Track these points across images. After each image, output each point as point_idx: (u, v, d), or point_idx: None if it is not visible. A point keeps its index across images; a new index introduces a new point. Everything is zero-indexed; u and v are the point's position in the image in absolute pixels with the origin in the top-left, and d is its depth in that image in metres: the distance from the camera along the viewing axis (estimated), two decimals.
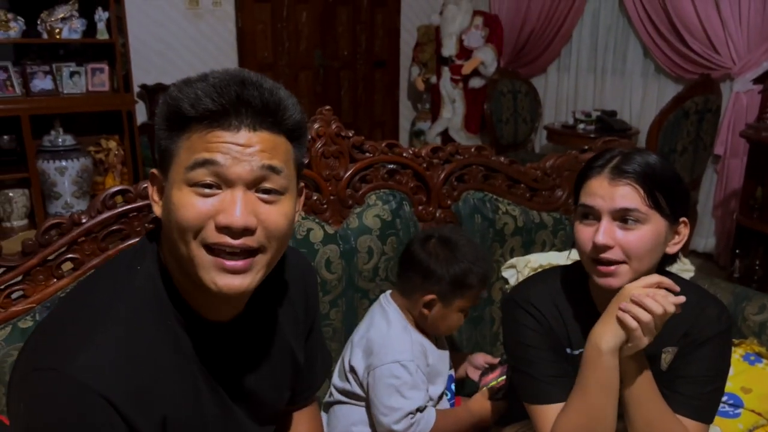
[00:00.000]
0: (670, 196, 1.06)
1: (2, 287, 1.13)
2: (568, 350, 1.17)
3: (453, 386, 1.51)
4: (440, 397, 1.43)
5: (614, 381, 1.06)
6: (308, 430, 1.17)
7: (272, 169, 0.80)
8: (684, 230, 1.11)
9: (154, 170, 0.86)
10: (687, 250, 3.63)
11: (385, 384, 1.32)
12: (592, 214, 1.08)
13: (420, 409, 1.33)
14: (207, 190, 0.78)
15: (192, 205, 0.78)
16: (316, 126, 1.44)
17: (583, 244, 1.09)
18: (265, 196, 0.81)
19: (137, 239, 1.20)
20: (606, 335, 1.05)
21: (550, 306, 1.17)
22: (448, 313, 1.39)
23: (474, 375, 1.53)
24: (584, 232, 1.09)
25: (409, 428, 1.31)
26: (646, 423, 1.08)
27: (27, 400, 0.77)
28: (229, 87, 0.78)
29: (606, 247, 1.05)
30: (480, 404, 1.40)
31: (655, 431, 1.08)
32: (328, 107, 1.47)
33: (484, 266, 1.39)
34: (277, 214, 0.82)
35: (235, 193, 0.78)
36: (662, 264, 1.13)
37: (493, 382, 1.43)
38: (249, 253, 0.81)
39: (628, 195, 1.04)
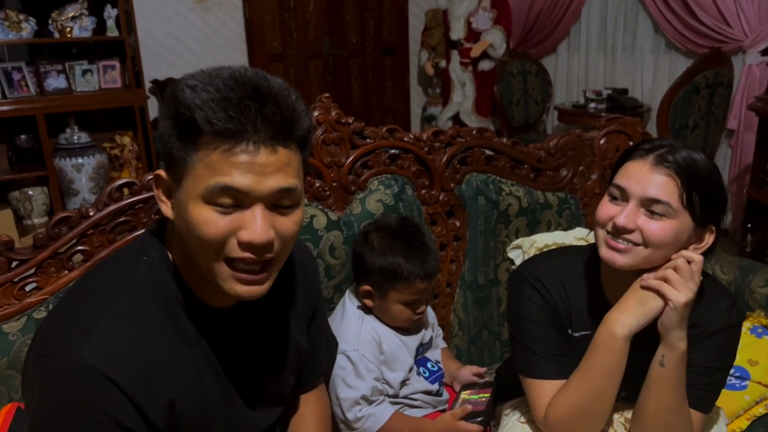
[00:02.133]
0: (706, 199, 1.03)
1: (16, 280, 1.17)
2: (569, 331, 1.17)
3: (435, 366, 1.49)
4: (402, 384, 1.41)
5: (621, 366, 1.06)
6: (315, 412, 1.20)
7: (289, 190, 0.82)
8: (709, 238, 1.08)
9: (160, 172, 0.86)
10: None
11: (333, 375, 1.33)
12: (621, 195, 1.06)
13: (367, 399, 1.32)
14: (227, 209, 0.80)
15: (213, 222, 0.79)
16: (315, 113, 1.46)
17: (602, 218, 1.07)
18: (281, 210, 0.84)
19: (143, 230, 1.24)
20: (624, 320, 1.05)
21: (557, 284, 1.17)
22: (386, 305, 1.37)
23: (457, 388, 1.51)
24: (608, 208, 1.07)
25: (359, 420, 1.31)
26: (664, 408, 1.08)
27: (39, 384, 0.81)
28: (247, 101, 0.77)
29: (626, 230, 1.03)
30: (447, 423, 1.34)
31: (669, 417, 1.08)
32: (327, 95, 1.49)
33: (419, 261, 1.33)
34: (292, 223, 0.85)
35: (254, 210, 0.80)
36: None
37: (474, 396, 1.40)
38: (265, 264, 0.84)
39: (664, 186, 1.02)
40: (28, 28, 3.42)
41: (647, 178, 1.03)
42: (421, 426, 1.36)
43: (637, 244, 1.04)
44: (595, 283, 1.16)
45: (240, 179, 0.78)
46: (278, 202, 0.83)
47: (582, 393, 1.10)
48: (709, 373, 1.11)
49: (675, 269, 1.03)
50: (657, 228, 1.02)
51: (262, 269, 0.84)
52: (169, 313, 0.88)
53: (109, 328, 0.82)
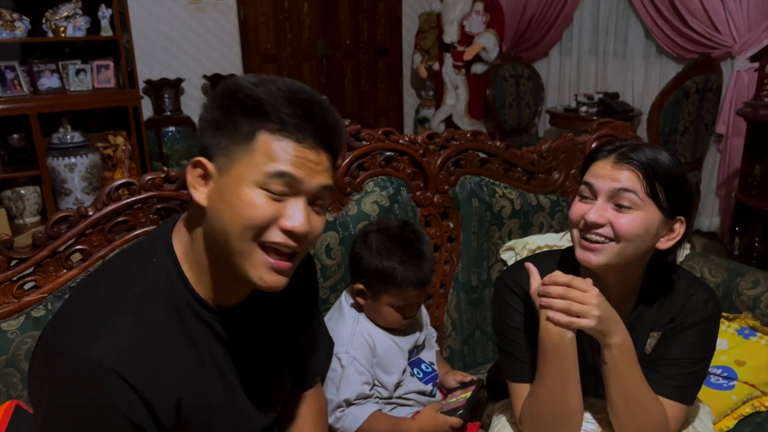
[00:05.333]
0: (670, 191, 1.07)
1: (15, 278, 1.18)
2: None
3: (429, 368, 1.50)
4: (397, 386, 1.42)
5: (574, 367, 1.09)
6: (311, 411, 1.22)
7: (329, 189, 0.91)
8: (679, 228, 1.11)
9: (202, 158, 0.88)
10: (691, 230, 3.65)
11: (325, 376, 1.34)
12: (590, 193, 1.10)
13: (350, 403, 1.34)
14: (277, 196, 0.85)
15: (263, 206, 0.84)
16: None
17: (575, 217, 1.11)
18: (317, 209, 0.91)
19: (146, 228, 1.25)
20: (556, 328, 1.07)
21: None
22: (377, 306, 1.38)
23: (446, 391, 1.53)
24: (578, 207, 1.11)
25: (338, 420, 1.32)
26: (624, 401, 1.11)
27: (50, 382, 0.82)
28: (313, 105, 0.86)
29: (596, 225, 1.07)
30: (428, 416, 1.37)
31: (632, 408, 1.11)
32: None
33: (414, 268, 1.33)
34: (320, 223, 0.92)
35: (299, 201, 0.87)
36: (657, 260, 1.15)
37: (452, 399, 1.43)
38: (292, 255, 0.89)
39: (628, 179, 1.06)
40: (21, 27, 3.42)
41: (612, 173, 1.08)
42: (400, 425, 1.36)
43: (609, 240, 1.07)
44: None
45: (297, 170, 0.85)
46: (316, 200, 0.90)
47: (545, 399, 1.12)
48: (687, 365, 1.14)
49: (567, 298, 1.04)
50: (627, 221, 1.05)
51: (289, 258, 0.89)
52: (176, 314, 0.90)
53: (118, 327, 0.83)
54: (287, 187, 0.85)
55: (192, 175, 0.89)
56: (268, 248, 0.87)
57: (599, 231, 1.07)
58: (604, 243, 1.08)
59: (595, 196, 1.09)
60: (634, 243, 1.07)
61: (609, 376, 1.10)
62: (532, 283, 1.10)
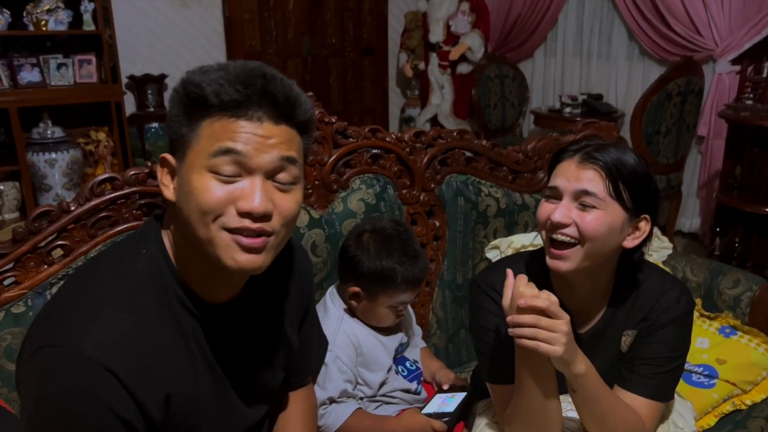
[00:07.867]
0: (635, 190, 1.08)
1: None
2: None
3: (414, 366, 1.51)
4: (382, 384, 1.42)
5: (552, 381, 1.09)
6: (302, 410, 1.21)
7: (290, 160, 0.85)
8: (644, 227, 1.12)
9: (166, 155, 0.88)
10: (672, 231, 3.69)
11: None
12: (555, 194, 1.11)
13: (334, 401, 1.34)
14: (227, 177, 0.82)
15: (212, 190, 0.82)
16: None
17: (541, 219, 1.12)
18: (280, 185, 0.85)
19: (129, 224, 1.24)
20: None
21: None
22: (373, 308, 1.38)
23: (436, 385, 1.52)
24: (545, 208, 1.12)
25: (321, 417, 1.32)
26: (600, 418, 1.12)
27: (37, 374, 0.81)
28: (254, 79, 0.82)
29: (561, 225, 1.07)
30: (412, 417, 1.37)
31: (607, 422, 1.12)
32: (310, 93, 1.50)
33: (413, 267, 1.34)
34: (291, 201, 0.87)
35: (254, 180, 0.83)
36: (626, 258, 1.16)
37: (448, 394, 1.43)
38: (262, 233, 0.85)
39: (591, 179, 1.07)
40: (2, 20, 3.36)
41: (575, 174, 1.08)
42: (383, 423, 1.36)
43: (575, 240, 1.07)
44: (545, 285, 1.18)
45: (242, 145, 0.81)
46: (278, 177, 0.85)
47: (527, 411, 1.13)
48: (664, 363, 1.15)
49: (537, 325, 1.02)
50: (590, 219, 1.06)
51: (259, 235, 0.84)
52: (166, 306, 0.89)
53: (109, 321, 0.82)
54: (236, 166, 0.82)
55: (161, 173, 0.89)
56: (233, 231, 0.84)
57: (565, 231, 1.08)
58: (570, 248, 1.08)
59: (559, 196, 1.10)
60: (598, 242, 1.07)
61: (581, 402, 1.11)
62: (505, 296, 1.06)
